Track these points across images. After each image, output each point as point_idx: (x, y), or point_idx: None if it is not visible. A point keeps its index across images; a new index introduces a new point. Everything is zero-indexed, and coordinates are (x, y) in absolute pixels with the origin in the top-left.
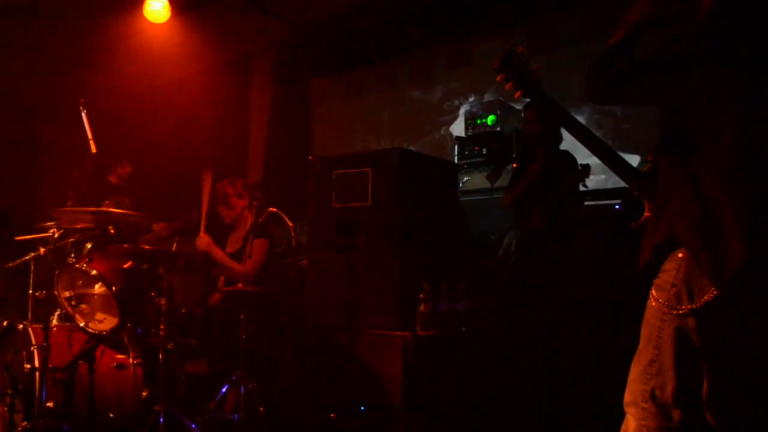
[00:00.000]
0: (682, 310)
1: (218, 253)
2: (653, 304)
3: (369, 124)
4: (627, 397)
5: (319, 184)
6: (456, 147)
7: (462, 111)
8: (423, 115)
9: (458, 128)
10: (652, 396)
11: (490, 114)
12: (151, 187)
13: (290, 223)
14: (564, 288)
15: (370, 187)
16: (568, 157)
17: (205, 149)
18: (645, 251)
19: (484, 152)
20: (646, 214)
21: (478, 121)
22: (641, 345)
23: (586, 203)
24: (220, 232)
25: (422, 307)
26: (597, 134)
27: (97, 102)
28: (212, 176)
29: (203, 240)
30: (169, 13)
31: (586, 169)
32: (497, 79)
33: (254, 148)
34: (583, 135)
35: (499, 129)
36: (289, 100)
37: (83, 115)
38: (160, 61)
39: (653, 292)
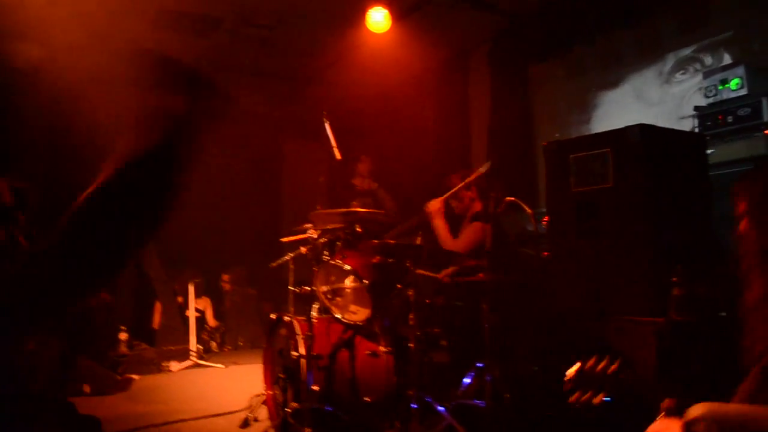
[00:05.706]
0: None
1: (439, 223)
2: None
3: (594, 104)
4: None
5: (556, 169)
6: (695, 119)
7: (698, 79)
8: (654, 89)
9: (695, 99)
10: None
11: (734, 78)
12: (389, 188)
13: (529, 210)
14: None
15: (611, 167)
16: None
17: (430, 148)
18: None
19: (729, 120)
20: None
21: (720, 87)
22: None
23: None
24: (452, 225)
25: (676, 291)
26: None
27: (332, 114)
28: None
29: (435, 205)
30: (390, 22)
31: None
32: None
33: (476, 141)
34: None
35: (746, 92)
36: (508, 90)
37: (326, 125)
38: (383, 69)
39: None
